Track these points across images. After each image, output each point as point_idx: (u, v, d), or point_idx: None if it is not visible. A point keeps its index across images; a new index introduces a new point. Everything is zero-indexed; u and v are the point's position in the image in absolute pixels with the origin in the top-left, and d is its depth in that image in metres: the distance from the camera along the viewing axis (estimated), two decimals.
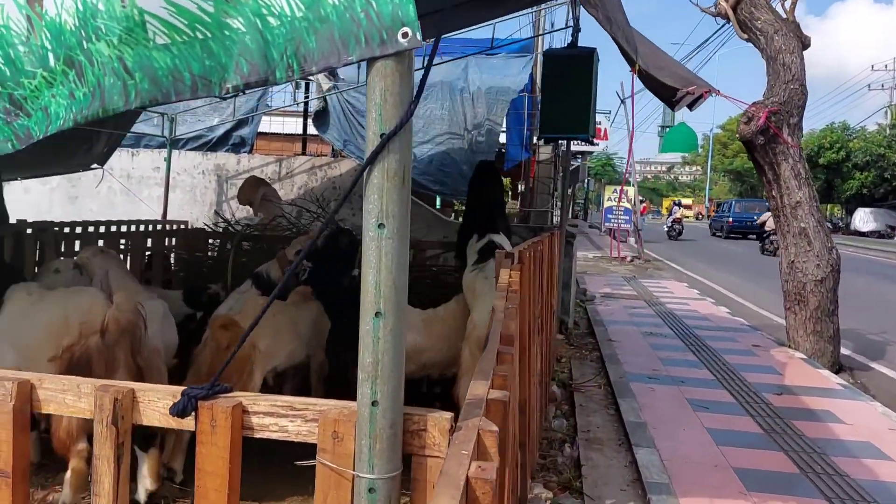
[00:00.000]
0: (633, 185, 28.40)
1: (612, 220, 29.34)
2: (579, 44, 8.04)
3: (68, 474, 4.16)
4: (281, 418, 1.67)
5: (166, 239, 7.26)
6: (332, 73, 11.50)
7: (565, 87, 8.00)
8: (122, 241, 7.12)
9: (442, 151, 11.07)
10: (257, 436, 1.70)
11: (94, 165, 11.14)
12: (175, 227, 11.55)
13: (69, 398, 1.70)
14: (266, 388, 5.55)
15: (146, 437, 4.46)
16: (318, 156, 12.58)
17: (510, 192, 19.91)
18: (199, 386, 1.67)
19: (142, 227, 10.92)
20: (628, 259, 23.53)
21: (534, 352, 4.80)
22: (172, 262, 7.55)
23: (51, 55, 1.51)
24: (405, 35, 1.33)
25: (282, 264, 5.98)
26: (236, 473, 1.66)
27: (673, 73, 6.88)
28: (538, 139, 9.80)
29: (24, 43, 1.52)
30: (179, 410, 1.63)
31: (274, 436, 1.69)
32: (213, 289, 6.16)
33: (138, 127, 11.64)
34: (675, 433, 5.93)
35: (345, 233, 6.08)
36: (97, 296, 4.58)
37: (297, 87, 13.25)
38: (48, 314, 4.41)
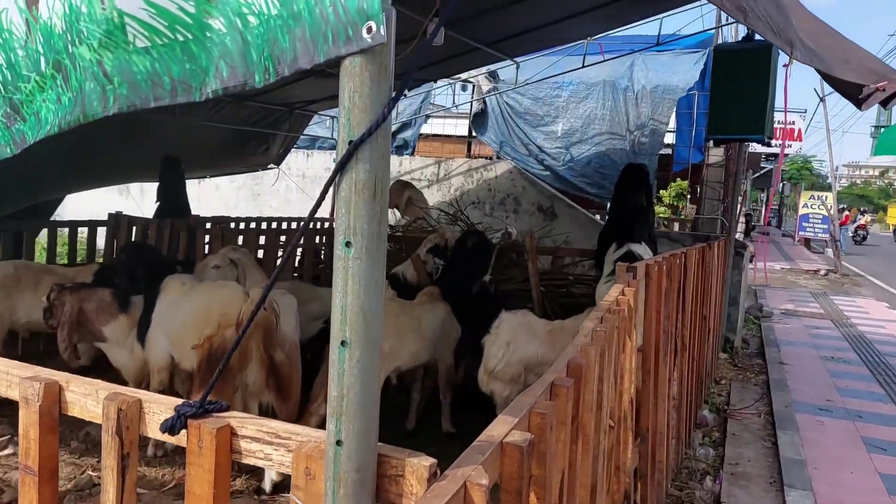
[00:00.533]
0: (832, 191, 25.71)
1: (808, 229, 26.75)
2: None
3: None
4: (266, 445, 1.56)
5: (317, 237, 7.54)
6: (492, 74, 11.44)
7: (738, 85, 7.31)
8: (282, 238, 7.52)
9: (601, 152, 10.62)
10: (245, 461, 1.60)
11: (272, 165, 11.97)
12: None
13: (90, 403, 1.72)
14: (387, 387, 5.58)
15: None
16: (476, 157, 12.58)
17: (688, 196, 18.81)
18: (192, 402, 1.60)
19: (311, 224, 11.59)
20: (822, 272, 21.29)
21: (664, 375, 4.38)
22: (322, 258, 7.87)
23: (42, 59, 1.52)
24: (369, 30, 1.16)
25: (416, 265, 5.98)
26: (223, 497, 1.57)
27: (860, 67, 6.00)
28: (706, 140, 9.07)
29: (22, 47, 1.55)
30: (168, 427, 1.57)
31: (260, 463, 1.59)
32: None
33: (311, 129, 12.31)
34: (838, 476, 5.18)
35: (476, 234, 5.96)
36: (237, 290, 4.84)
37: (465, 88, 13.37)
38: (194, 305, 4.73)
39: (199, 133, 10.13)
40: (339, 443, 1.30)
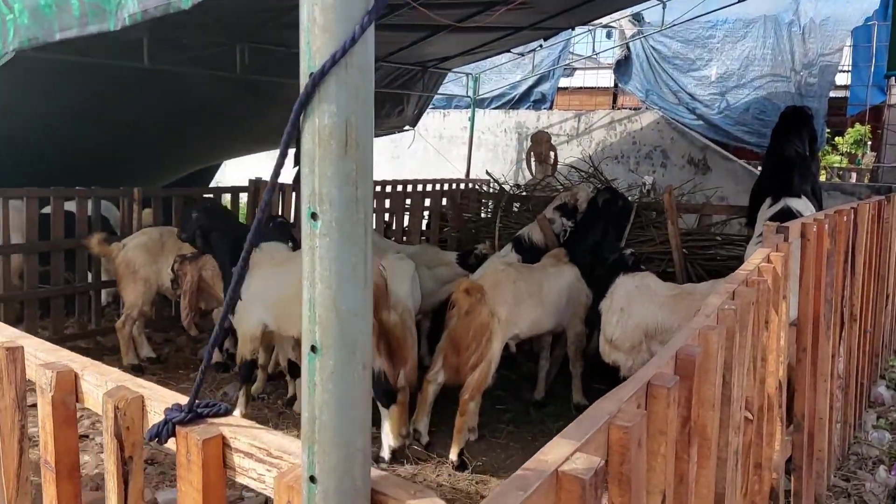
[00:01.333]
0: None
1: None
2: None
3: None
4: (259, 463, 1.29)
5: (443, 199, 7.30)
6: (636, 17, 10.59)
7: None
8: (408, 201, 7.38)
9: (761, 97, 9.54)
10: (239, 480, 1.35)
11: (407, 127, 11.91)
12: (474, 185, 11.86)
13: (100, 395, 1.55)
14: (509, 356, 5.29)
15: (388, 394, 4.55)
16: (619, 109, 11.80)
17: (869, 143, 16.81)
18: (181, 406, 1.36)
19: (446, 186, 11.43)
20: None
21: (826, 351, 3.76)
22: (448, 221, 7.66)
23: None
24: None
25: (542, 226, 5.60)
26: None
27: None
28: (887, 77, 7.84)
29: None
30: (153, 435, 1.36)
31: (253, 484, 1.33)
32: (480, 250, 6.02)
33: (446, 88, 12.08)
34: None
35: (610, 192, 5.46)
36: None
37: (609, 35, 12.55)
38: (297, 275, 4.66)
39: None
40: (312, 479, 1.03)
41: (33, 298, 6.42)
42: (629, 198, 6.09)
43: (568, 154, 11.36)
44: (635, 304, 4.38)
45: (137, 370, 6.06)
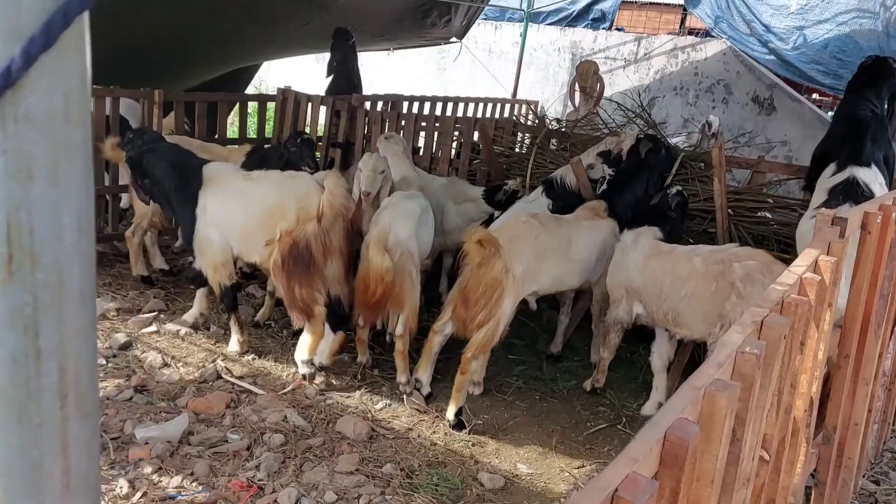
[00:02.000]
0: None
1: None
2: None
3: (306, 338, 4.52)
4: None
5: (475, 128, 6.74)
6: None
7: None
8: (436, 125, 6.88)
9: (843, 34, 8.61)
10: None
11: (454, 39, 11.23)
12: (522, 106, 11.22)
13: None
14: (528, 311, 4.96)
15: (340, 319, 4.58)
16: (683, 35, 10.87)
17: None
18: None
19: (489, 106, 10.84)
20: None
21: (872, 352, 3.33)
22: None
23: None
24: None
25: (576, 171, 5.12)
26: None
27: None
28: None
29: None
30: None
31: None
32: (509, 187, 5.59)
33: None
34: None
35: (652, 140, 4.93)
36: (311, 181, 4.55)
37: None
38: (265, 199, 4.48)
39: (377, 4, 9.59)
40: None
41: None
42: (680, 141, 5.56)
43: (623, 82, 10.60)
44: (620, 259, 4.38)
45: (147, 282, 5.94)
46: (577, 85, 7.95)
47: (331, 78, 8.51)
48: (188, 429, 3.81)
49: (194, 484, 3.36)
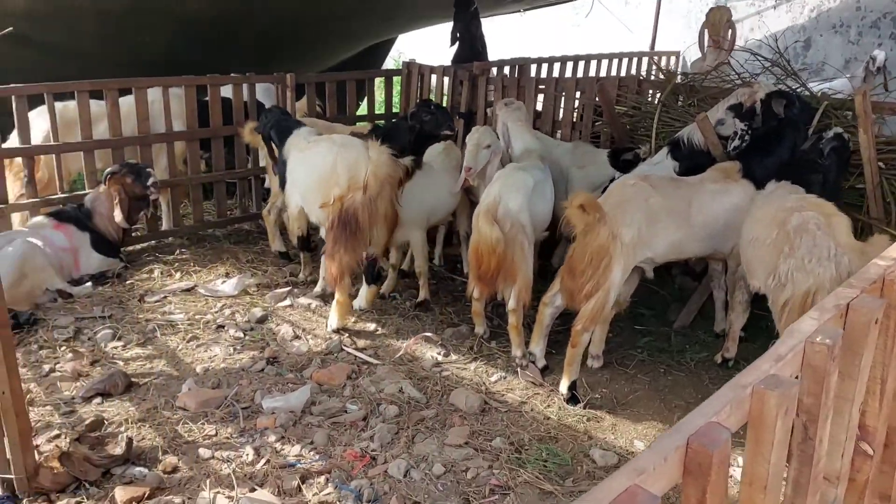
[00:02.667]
0: None
1: None
2: None
3: (334, 304, 4.89)
4: None
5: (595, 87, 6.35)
6: None
7: None
8: (556, 88, 6.60)
9: None
10: None
11: None
12: (662, 59, 10.59)
13: None
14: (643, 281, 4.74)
15: (373, 275, 5.07)
16: None
17: None
18: None
19: (625, 61, 10.33)
20: None
21: None
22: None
23: None
24: None
25: (703, 129, 4.77)
26: None
27: None
28: None
29: None
30: None
31: None
32: (642, 152, 5.31)
33: None
34: None
35: (784, 97, 4.47)
36: (360, 149, 4.72)
37: None
38: (322, 165, 4.79)
39: None
40: None
41: (197, 183, 6.79)
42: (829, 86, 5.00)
43: (774, 23, 9.71)
44: (749, 216, 4.02)
45: (284, 257, 6.30)
46: (707, 35, 7.31)
47: (455, 47, 8.48)
48: (311, 399, 4.03)
49: (312, 453, 3.55)
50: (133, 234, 6.39)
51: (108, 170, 5.97)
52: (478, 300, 4.77)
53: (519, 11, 11.94)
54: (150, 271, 5.88)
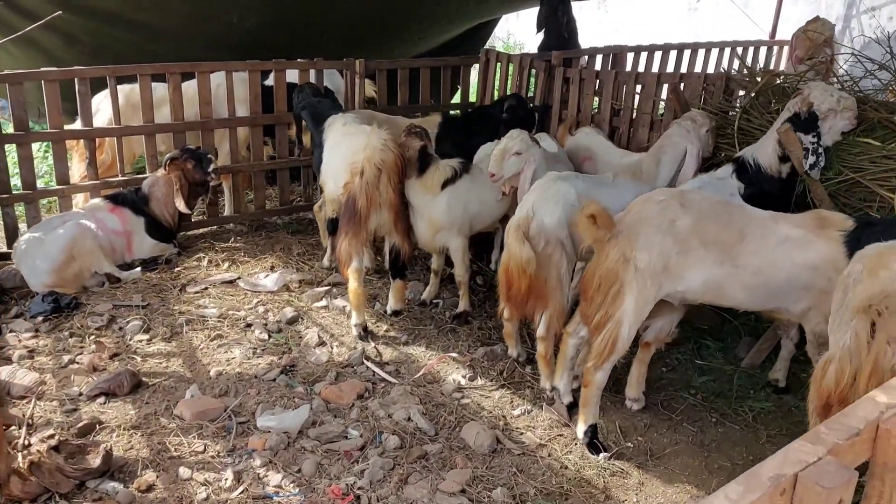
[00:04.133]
0: None
1: None
2: None
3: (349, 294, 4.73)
4: None
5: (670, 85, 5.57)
6: None
7: None
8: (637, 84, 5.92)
9: None
10: None
11: None
12: (784, 49, 9.49)
13: None
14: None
15: (396, 269, 4.89)
16: None
17: None
18: None
19: (739, 50, 9.34)
20: None
21: None
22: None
23: None
24: None
25: (787, 142, 4.07)
26: None
27: None
28: None
29: None
30: None
31: None
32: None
33: None
34: None
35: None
36: (365, 137, 4.62)
37: None
38: (344, 150, 4.82)
39: None
40: None
41: (259, 169, 6.69)
42: None
43: None
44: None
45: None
46: (796, 49, 6.14)
47: (543, 32, 7.95)
48: (312, 418, 3.77)
49: (293, 485, 3.29)
50: (192, 220, 6.38)
51: (169, 155, 5.95)
52: (509, 321, 4.35)
53: None
54: (199, 259, 5.83)
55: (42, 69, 5.66)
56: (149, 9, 7.42)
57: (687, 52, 8.98)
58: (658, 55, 8.70)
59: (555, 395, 4.00)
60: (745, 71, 5.26)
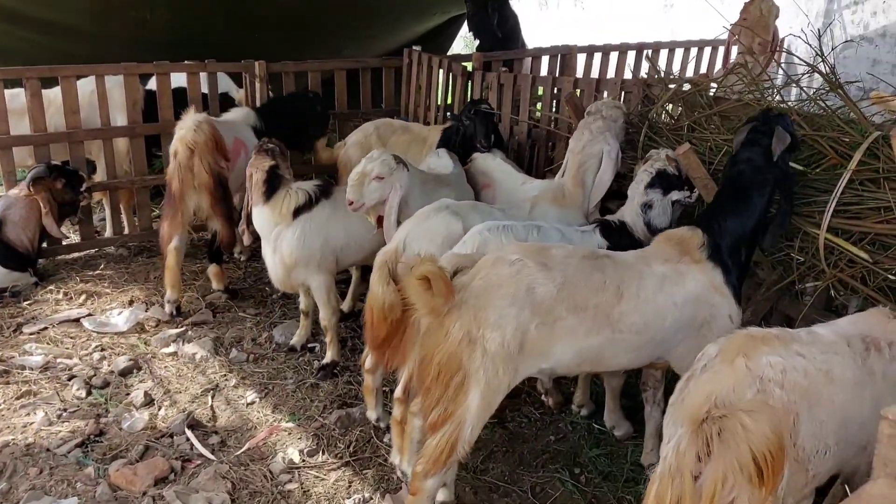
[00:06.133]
0: None
1: None
2: None
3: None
4: None
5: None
6: None
7: None
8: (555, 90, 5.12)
9: None
10: None
11: None
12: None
13: None
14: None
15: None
16: None
17: None
18: None
19: (707, 51, 8.48)
20: None
21: None
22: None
23: None
24: None
25: (688, 167, 3.27)
26: None
27: None
28: None
29: None
30: None
31: None
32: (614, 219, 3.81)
33: None
34: None
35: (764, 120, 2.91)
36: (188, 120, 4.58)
37: None
38: None
39: None
40: None
41: (143, 185, 5.93)
42: None
43: None
44: None
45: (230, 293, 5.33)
46: (740, 34, 5.25)
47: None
48: None
49: None
50: (63, 244, 5.64)
51: (32, 173, 5.23)
52: (370, 373, 3.59)
53: None
54: (52, 291, 5.09)
55: None
56: (46, 4, 6.75)
57: (647, 52, 8.14)
58: (614, 56, 7.90)
59: (403, 481, 3.22)
60: (658, 76, 4.41)
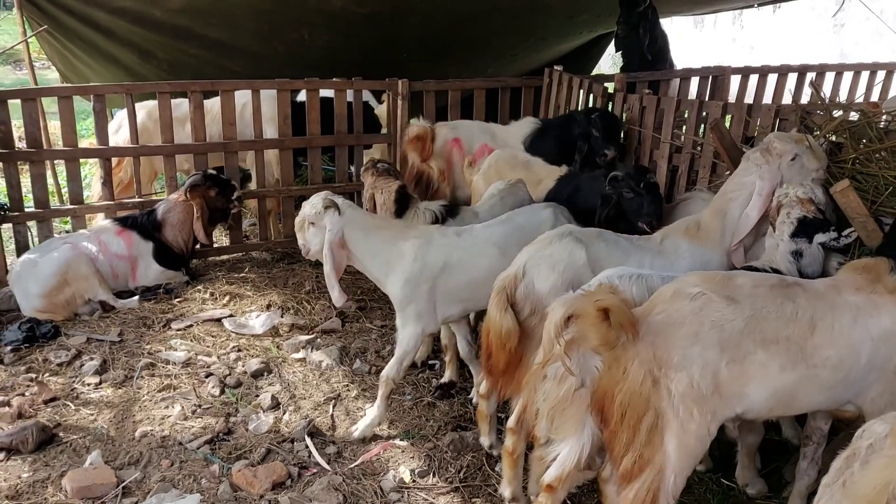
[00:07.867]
0: None
1: None
2: None
3: None
4: None
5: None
6: None
7: None
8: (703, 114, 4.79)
9: None
10: None
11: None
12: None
13: None
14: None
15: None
16: None
17: None
18: None
19: (880, 75, 7.74)
20: None
21: None
22: None
23: None
24: None
25: (846, 207, 2.96)
26: None
27: None
28: None
29: None
30: None
31: None
32: None
33: None
34: None
35: None
36: None
37: None
38: None
39: None
40: None
41: (288, 195, 6.24)
42: None
43: None
44: None
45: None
46: None
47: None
48: None
49: None
50: (213, 247, 6.04)
51: (190, 180, 5.64)
52: (484, 397, 3.51)
53: (752, 5, 9.70)
54: (201, 290, 5.44)
55: (56, 86, 5.55)
56: (217, 25, 7.27)
57: (812, 76, 7.56)
58: (772, 79, 7.40)
59: None
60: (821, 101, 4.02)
